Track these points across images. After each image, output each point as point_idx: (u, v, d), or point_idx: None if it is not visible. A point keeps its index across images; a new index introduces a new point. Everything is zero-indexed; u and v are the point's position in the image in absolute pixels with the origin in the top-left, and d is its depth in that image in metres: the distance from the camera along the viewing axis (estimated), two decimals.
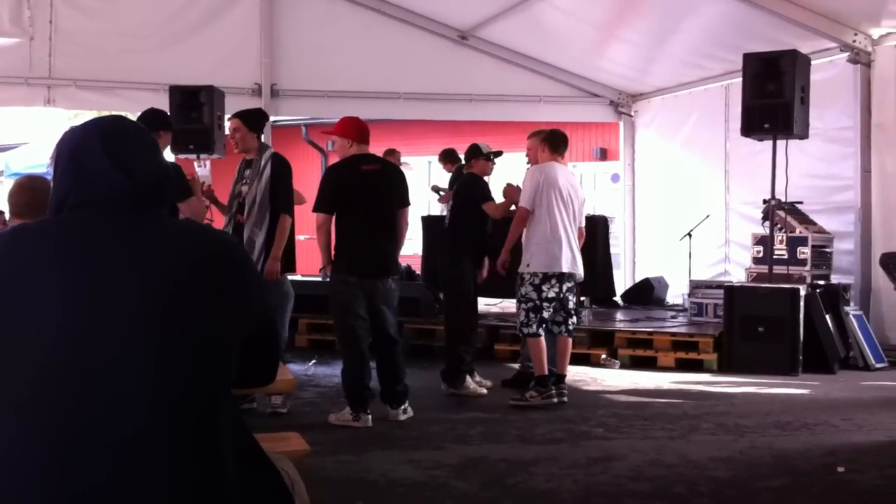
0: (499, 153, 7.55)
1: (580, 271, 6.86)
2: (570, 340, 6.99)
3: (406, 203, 6.40)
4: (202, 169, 6.75)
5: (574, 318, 6.99)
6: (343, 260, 6.18)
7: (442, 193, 10.98)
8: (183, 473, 1.65)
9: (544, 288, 6.69)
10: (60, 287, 1.68)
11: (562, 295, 6.76)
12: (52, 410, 1.61)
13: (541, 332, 6.72)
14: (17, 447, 1.60)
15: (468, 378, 7.25)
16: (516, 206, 6.98)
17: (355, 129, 6.29)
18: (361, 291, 6.10)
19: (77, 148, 1.86)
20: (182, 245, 1.79)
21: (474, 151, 7.49)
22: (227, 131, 9.69)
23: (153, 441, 1.62)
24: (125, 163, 1.83)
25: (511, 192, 7.22)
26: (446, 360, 7.32)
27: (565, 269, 6.71)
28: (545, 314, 6.71)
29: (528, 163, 8.97)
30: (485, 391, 7.24)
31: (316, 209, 6.26)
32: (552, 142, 6.95)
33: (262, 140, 6.59)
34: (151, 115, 6.13)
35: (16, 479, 1.59)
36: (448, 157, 11.04)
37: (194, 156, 9.46)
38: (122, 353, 1.65)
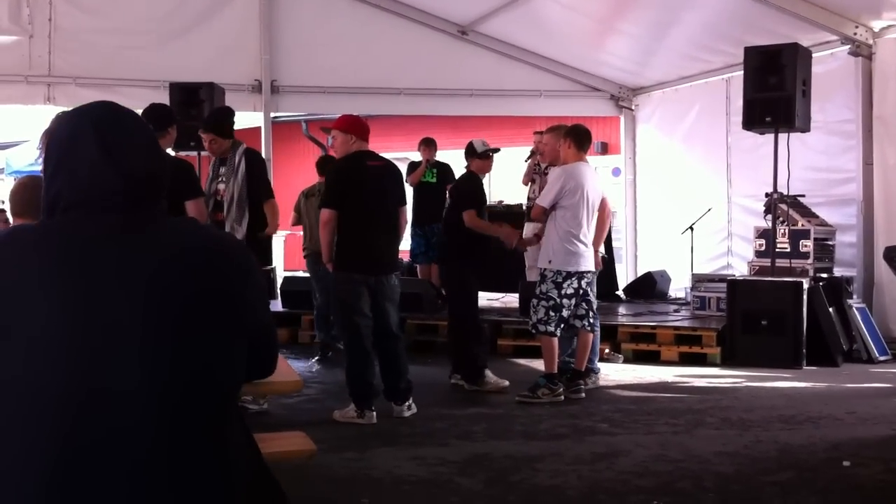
0: (496, 150, 7.50)
1: (593, 268, 6.89)
2: (591, 336, 6.97)
3: (403, 202, 6.42)
4: None
5: (595, 311, 6.96)
6: (348, 257, 6.15)
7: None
8: (194, 492, 1.60)
9: (564, 285, 6.68)
10: (52, 299, 1.59)
11: (581, 290, 6.76)
12: (45, 429, 1.54)
13: (557, 332, 6.72)
14: (16, 468, 1.54)
15: (487, 373, 7.23)
16: (505, 239, 7.13)
17: (358, 126, 6.28)
18: (367, 289, 6.08)
19: (68, 140, 1.72)
20: (179, 251, 1.68)
21: (470, 151, 7.41)
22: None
23: (160, 461, 1.57)
24: (119, 155, 1.70)
25: (507, 234, 7.22)
26: (463, 361, 7.26)
27: (583, 267, 6.73)
28: (564, 313, 6.71)
29: (527, 159, 8.94)
30: (507, 383, 7.18)
31: (323, 205, 6.23)
32: (577, 139, 6.85)
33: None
34: (157, 111, 6.07)
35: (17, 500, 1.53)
36: (426, 144, 10.90)
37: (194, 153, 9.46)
38: (117, 369, 1.57)
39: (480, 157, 7.33)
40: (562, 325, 6.72)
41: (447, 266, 7.45)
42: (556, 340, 6.73)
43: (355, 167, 6.19)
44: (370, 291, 6.09)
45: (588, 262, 6.78)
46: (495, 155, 7.47)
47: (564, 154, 6.90)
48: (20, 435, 1.54)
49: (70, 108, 1.83)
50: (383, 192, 6.18)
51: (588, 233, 6.79)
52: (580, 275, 6.73)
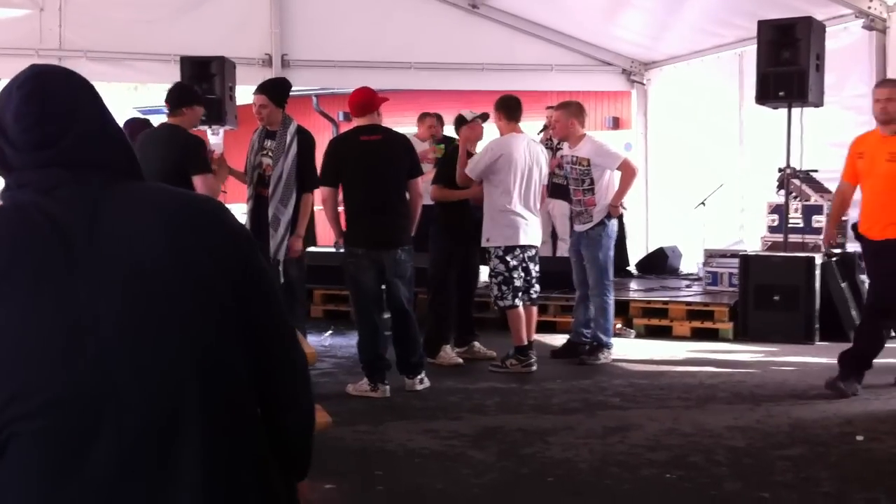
0: (482, 116, 7.42)
1: (538, 241, 7.03)
2: (535, 309, 7.12)
3: (415, 173, 6.32)
4: (215, 137, 6.81)
5: (537, 287, 7.06)
6: (350, 232, 6.21)
7: None
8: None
9: (508, 258, 6.82)
10: (20, 288, 1.43)
11: (523, 264, 6.86)
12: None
13: (517, 302, 6.85)
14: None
15: (446, 348, 7.24)
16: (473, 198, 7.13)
17: (353, 104, 6.30)
18: (370, 262, 6.09)
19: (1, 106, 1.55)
20: (156, 215, 1.52)
21: (460, 121, 7.40)
22: (238, 102, 9.70)
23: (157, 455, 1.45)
24: (40, 108, 1.53)
25: (472, 193, 7.22)
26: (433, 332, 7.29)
27: (523, 241, 6.84)
28: (517, 283, 6.84)
29: (539, 132, 8.91)
30: (460, 360, 7.21)
31: (319, 183, 6.27)
32: (508, 110, 6.98)
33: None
34: (174, 91, 6.17)
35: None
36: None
37: (206, 127, 9.45)
38: (102, 359, 1.43)
39: (472, 125, 7.31)
40: (520, 294, 6.85)
41: (431, 242, 7.42)
42: (519, 311, 6.86)
43: (345, 143, 6.29)
44: (375, 265, 6.10)
45: (529, 236, 6.88)
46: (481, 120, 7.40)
47: (499, 127, 7.02)
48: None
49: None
50: (378, 166, 6.13)
51: (528, 203, 6.86)
52: (521, 248, 6.84)
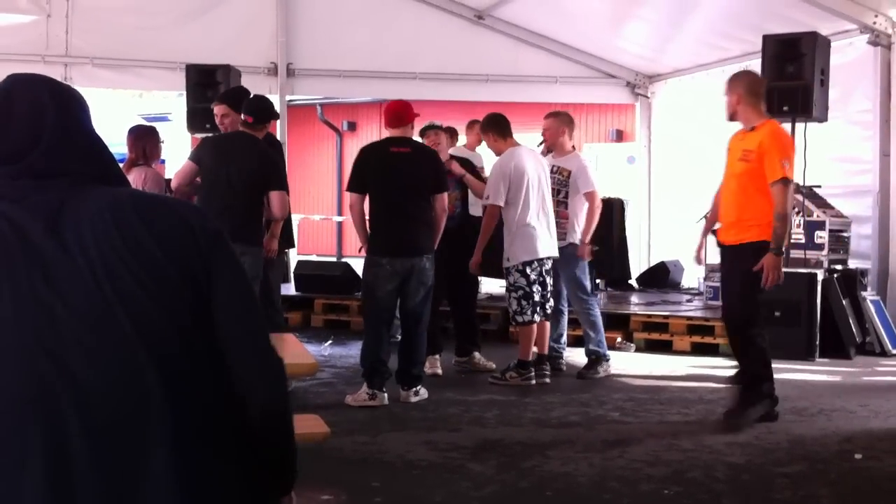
0: (432, 126, 7.34)
1: (556, 252, 6.96)
2: (547, 324, 7.06)
3: (440, 189, 6.31)
4: None
5: (552, 301, 7.03)
6: (374, 240, 6.25)
7: None
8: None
9: (528, 271, 6.78)
10: None
11: (541, 277, 6.84)
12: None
13: (536, 317, 6.82)
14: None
15: (433, 358, 7.19)
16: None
17: (388, 114, 6.38)
18: (391, 272, 6.12)
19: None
20: (112, 217, 1.55)
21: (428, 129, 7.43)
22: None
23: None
24: (13, 131, 1.60)
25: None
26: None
27: (542, 254, 6.81)
28: (536, 297, 6.81)
29: (539, 143, 8.93)
30: (439, 371, 7.20)
31: (347, 189, 6.38)
32: (498, 128, 6.93)
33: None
34: (265, 104, 6.27)
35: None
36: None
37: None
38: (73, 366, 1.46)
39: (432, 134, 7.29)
40: (538, 309, 6.82)
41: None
42: (534, 328, 6.83)
43: (375, 152, 6.35)
44: (397, 274, 6.12)
45: (546, 248, 6.84)
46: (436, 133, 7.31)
47: (496, 147, 6.95)
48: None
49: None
50: (405, 177, 6.18)
51: (542, 215, 6.83)
52: (539, 261, 6.81)
